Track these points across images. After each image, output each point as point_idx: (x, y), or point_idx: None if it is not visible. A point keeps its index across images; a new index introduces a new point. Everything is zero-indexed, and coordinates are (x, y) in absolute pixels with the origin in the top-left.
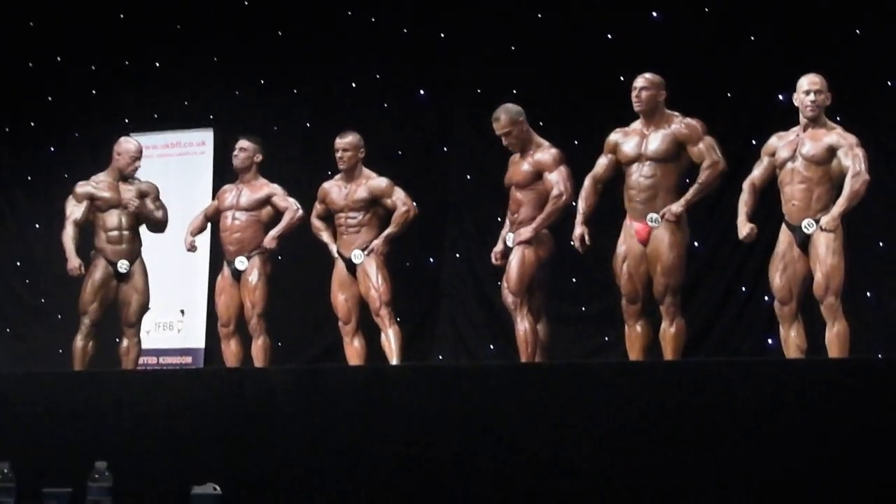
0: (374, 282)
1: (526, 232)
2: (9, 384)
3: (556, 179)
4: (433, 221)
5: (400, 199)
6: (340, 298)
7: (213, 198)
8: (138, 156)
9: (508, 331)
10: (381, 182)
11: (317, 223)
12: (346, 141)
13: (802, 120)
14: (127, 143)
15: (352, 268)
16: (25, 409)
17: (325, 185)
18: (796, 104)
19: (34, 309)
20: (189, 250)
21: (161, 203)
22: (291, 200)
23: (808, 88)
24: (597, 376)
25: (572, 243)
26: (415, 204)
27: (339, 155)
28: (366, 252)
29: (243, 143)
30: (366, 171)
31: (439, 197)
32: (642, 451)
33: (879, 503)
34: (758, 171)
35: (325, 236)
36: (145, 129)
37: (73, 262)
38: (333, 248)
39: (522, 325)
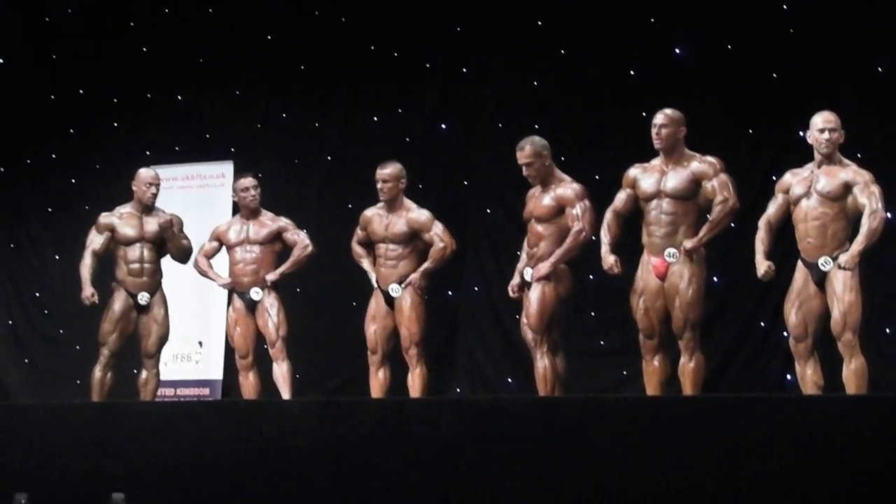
0: (408, 320)
1: (544, 267)
2: (27, 415)
3: (578, 214)
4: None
5: (438, 235)
6: (371, 329)
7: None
8: (153, 182)
9: (527, 364)
10: (420, 215)
11: (358, 249)
12: (386, 172)
13: (817, 156)
14: (143, 172)
15: (388, 300)
16: (44, 439)
17: (367, 212)
18: (810, 142)
19: (53, 340)
20: (226, 286)
21: (185, 235)
22: (302, 235)
23: (822, 126)
24: (614, 411)
25: (606, 270)
26: (453, 241)
27: (379, 186)
28: (403, 286)
29: (251, 181)
30: (406, 201)
31: (459, 230)
32: (660, 486)
33: None
34: (773, 209)
35: (366, 263)
36: (166, 161)
37: (87, 290)
38: (373, 276)
39: (542, 362)
